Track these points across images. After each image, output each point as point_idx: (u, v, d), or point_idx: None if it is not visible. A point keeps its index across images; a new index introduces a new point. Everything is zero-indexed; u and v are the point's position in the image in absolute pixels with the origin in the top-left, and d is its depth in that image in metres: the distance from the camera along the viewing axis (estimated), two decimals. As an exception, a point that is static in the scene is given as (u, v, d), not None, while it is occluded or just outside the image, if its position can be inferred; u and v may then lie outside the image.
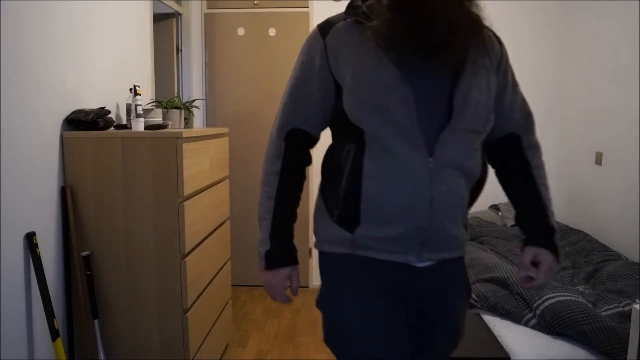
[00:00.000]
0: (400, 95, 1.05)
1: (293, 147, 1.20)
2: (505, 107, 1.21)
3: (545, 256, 1.22)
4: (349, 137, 1.13)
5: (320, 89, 1.15)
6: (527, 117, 1.27)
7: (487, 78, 1.14)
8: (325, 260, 1.22)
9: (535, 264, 1.22)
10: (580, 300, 2.00)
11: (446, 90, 1.08)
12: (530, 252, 1.22)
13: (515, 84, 1.25)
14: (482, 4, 1.16)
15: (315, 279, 3.77)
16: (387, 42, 1.04)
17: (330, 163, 1.19)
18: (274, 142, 1.21)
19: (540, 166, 1.27)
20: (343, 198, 1.13)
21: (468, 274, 1.34)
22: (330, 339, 1.19)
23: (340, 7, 3.45)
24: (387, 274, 1.14)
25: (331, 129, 1.23)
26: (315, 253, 3.70)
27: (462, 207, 1.16)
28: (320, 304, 1.21)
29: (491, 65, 1.16)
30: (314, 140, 1.23)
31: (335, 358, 1.20)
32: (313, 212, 1.25)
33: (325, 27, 1.16)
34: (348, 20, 1.14)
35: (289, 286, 1.25)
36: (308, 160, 1.25)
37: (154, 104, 2.40)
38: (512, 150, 1.27)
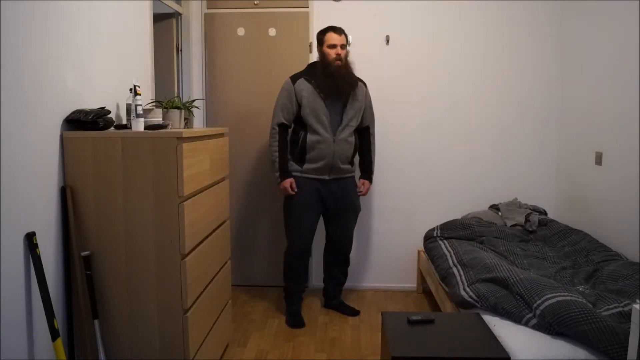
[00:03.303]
0: (323, 112, 2.98)
1: (283, 129, 3.05)
2: (366, 115, 3.16)
3: (365, 182, 3.23)
4: (301, 127, 3.04)
5: (293, 104, 3.01)
6: (373, 119, 3.23)
7: (358, 105, 3.07)
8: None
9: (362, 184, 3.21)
10: (580, 300, 2.00)
11: (340, 110, 3.03)
12: (361, 180, 3.23)
13: (371, 105, 3.21)
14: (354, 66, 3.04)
15: (315, 279, 3.77)
16: (320, 90, 2.97)
17: (292, 139, 3.08)
18: (272, 129, 3.06)
19: (373, 143, 3.26)
20: (298, 152, 3.03)
21: (356, 182, 3.23)
22: (287, 209, 3.11)
23: (340, 7, 3.58)
24: (315, 183, 3.05)
25: (294, 124, 3.07)
26: (315, 253, 3.71)
27: (348, 157, 3.07)
28: (286, 197, 3.10)
29: (360, 98, 3.09)
30: (289, 126, 3.07)
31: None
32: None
33: (293, 79, 3.02)
34: (302, 77, 3.01)
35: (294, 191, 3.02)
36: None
37: (154, 104, 2.40)
38: (365, 137, 3.20)
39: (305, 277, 3.25)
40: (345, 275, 3.35)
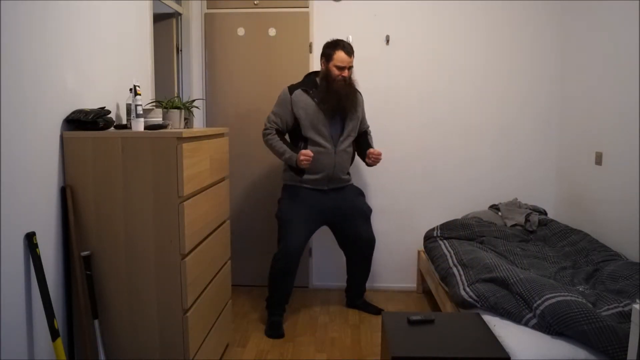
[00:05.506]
0: (323, 123, 2.91)
1: (275, 130, 2.96)
2: (363, 123, 3.15)
3: (370, 152, 2.99)
4: (300, 138, 2.96)
5: (288, 114, 2.95)
6: (367, 126, 3.23)
7: (357, 116, 3.02)
8: (286, 188, 3.07)
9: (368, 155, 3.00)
10: (580, 300, 2.00)
11: (341, 121, 2.97)
12: (367, 153, 3.00)
13: (364, 115, 3.18)
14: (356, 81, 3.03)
15: (315, 279, 3.77)
16: (322, 104, 2.89)
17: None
18: (265, 130, 2.98)
19: (370, 137, 3.23)
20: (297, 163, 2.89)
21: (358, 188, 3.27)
22: (280, 216, 3.01)
23: (340, 7, 3.60)
24: (314, 194, 3.00)
25: (290, 137, 3.05)
26: (315, 253, 3.72)
27: (347, 167, 3.06)
28: (280, 205, 3.08)
29: (358, 109, 3.05)
30: (284, 133, 3.02)
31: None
32: (282, 168, 3.16)
33: (291, 89, 2.95)
34: (300, 89, 2.94)
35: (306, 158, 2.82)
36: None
37: (154, 104, 2.40)
38: (364, 136, 3.16)
39: (291, 286, 3.03)
40: (364, 276, 3.31)
